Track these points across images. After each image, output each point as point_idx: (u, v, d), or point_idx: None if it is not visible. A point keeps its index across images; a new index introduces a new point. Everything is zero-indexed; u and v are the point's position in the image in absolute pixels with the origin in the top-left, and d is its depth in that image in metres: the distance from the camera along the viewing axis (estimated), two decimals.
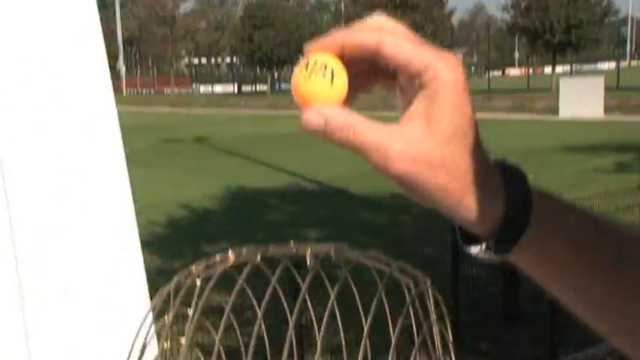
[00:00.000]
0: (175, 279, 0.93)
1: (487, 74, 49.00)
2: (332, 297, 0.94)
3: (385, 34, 0.47)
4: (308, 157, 13.94)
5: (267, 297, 0.90)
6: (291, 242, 1.08)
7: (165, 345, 0.89)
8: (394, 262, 1.11)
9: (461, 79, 0.46)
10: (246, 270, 0.91)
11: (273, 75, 52.60)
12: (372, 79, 0.50)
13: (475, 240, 0.51)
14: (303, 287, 0.94)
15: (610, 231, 0.53)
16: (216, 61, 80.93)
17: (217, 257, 0.93)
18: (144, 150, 16.05)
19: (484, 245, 0.50)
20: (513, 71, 55.77)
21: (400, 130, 0.46)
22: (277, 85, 55.24)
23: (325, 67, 0.46)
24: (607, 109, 20.78)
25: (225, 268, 0.97)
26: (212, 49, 73.88)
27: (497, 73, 53.36)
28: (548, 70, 46.96)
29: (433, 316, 1.20)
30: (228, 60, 75.59)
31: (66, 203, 1.10)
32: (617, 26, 45.37)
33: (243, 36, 50.51)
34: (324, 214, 9.62)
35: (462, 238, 0.52)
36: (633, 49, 50.71)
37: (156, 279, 1.33)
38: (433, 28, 43.06)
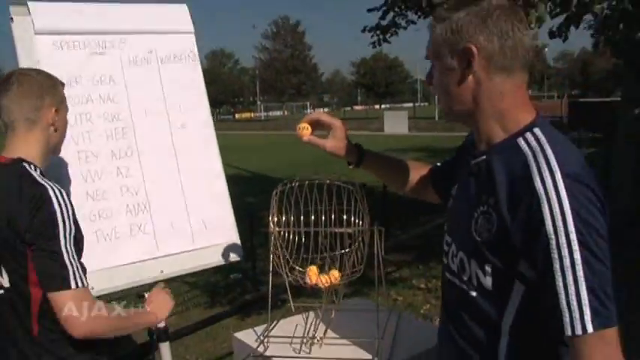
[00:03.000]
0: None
1: (342, 109, 77.28)
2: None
3: (324, 115, 1.80)
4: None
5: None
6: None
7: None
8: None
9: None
10: None
11: None
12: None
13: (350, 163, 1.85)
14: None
15: (392, 160, 1.92)
16: None
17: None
18: None
19: (352, 165, 1.84)
20: (357, 107, 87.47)
21: (323, 140, 1.75)
22: None
23: (305, 127, 1.74)
24: (409, 129, 36.69)
25: None
26: None
27: (348, 108, 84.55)
28: (377, 106, 79.02)
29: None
30: None
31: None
32: (412, 83, 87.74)
33: None
34: None
35: (348, 163, 1.84)
36: (421, 96, 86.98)
37: None
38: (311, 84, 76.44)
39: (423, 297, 6.11)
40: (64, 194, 1.77)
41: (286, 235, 1.97)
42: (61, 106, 1.94)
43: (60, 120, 1.94)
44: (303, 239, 1.96)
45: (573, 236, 1.19)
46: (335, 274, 1.96)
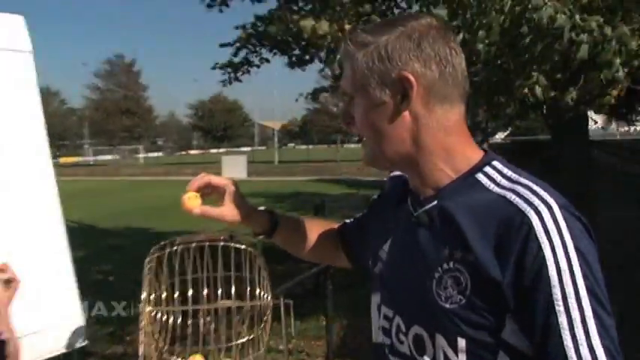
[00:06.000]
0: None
1: (177, 154, 73.13)
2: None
3: (213, 177, 1.36)
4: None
5: None
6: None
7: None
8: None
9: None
10: None
11: None
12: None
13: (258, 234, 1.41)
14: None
15: (301, 223, 1.48)
16: None
17: None
18: None
19: (262, 237, 1.40)
20: (192, 151, 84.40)
21: (219, 209, 1.33)
22: None
23: (194, 196, 1.33)
24: (249, 174, 35.08)
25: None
26: None
27: (184, 152, 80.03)
28: (213, 150, 79.34)
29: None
30: None
31: None
32: (250, 126, 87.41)
33: None
34: None
35: (253, 234, 1.42)
36: (259, 139, 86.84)
37: None
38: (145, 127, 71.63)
39: None
40: None
41: (160, 315, 1.47)
42: None
43: None
44: (188, 320, 1.47)
45: (581, 282, 0.96)
46: None
